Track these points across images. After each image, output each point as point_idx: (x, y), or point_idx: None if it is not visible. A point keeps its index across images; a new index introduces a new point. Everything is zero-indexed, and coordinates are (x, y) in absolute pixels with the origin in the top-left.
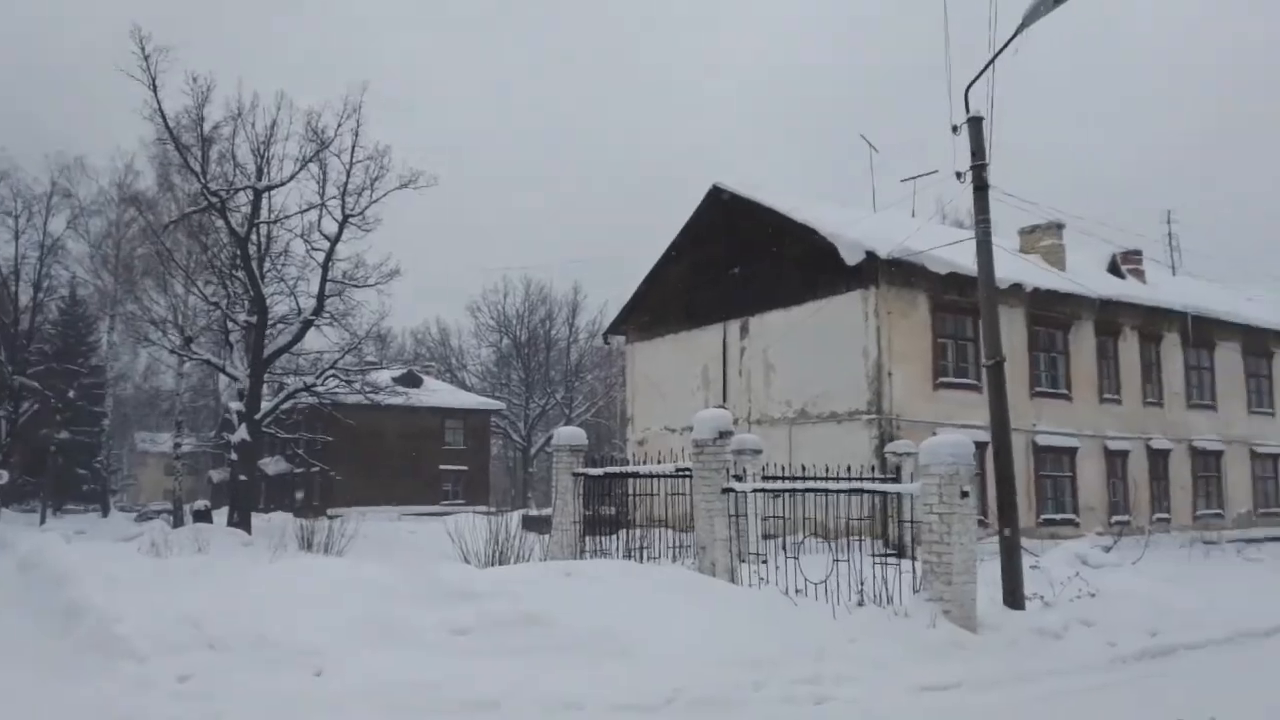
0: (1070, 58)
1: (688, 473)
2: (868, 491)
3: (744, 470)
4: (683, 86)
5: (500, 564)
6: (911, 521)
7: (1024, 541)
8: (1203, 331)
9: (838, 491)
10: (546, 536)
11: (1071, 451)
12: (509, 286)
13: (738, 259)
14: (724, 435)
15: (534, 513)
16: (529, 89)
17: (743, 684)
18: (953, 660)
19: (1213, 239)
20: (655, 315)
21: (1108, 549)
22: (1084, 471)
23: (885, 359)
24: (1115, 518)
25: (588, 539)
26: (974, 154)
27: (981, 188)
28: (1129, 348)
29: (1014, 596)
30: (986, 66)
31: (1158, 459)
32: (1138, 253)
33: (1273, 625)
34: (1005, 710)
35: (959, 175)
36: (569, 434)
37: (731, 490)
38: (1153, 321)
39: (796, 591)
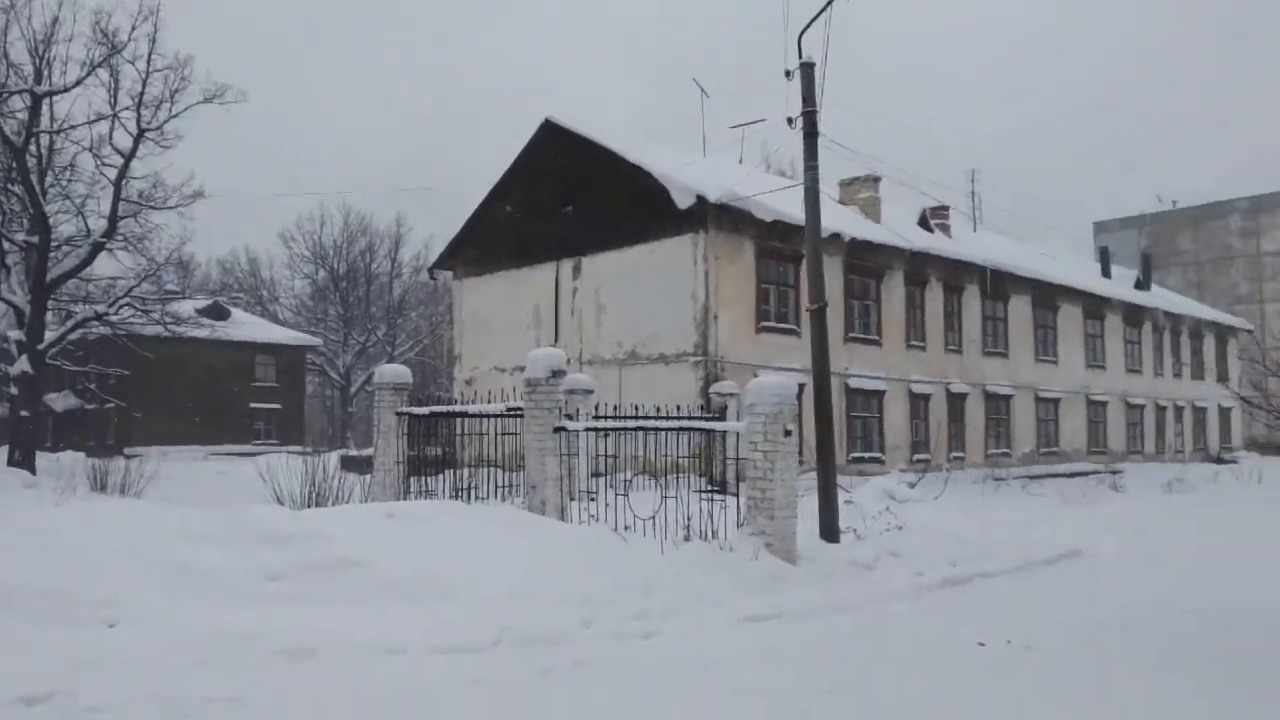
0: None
1: (519, 412)
2: (696, 430)
3: (575, 410)
4: (521, 14)
5: (317, 506)
6: (736, 459)
7: (837, 478)
8: (999, 284)
9: (667, 430)
10: (367, 477)
11: (880, 394)
12: (326, 215)
13: (571, 197)
14: (557, 374)
15: (354, 453)
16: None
17: (572, 621)
18: (774, 592)
19: (1014, 199)
20: (485, 251)
21: (913, 485)
22: (890, 413)
23: (712, 303)
24: (917, 456)
25: (413, 480)
26: (805, 100)
27: (811, 134)
28: (934, 298)
29: (830, 530)
30: (820, 12)
31: (956, 402)
32: (945, 208)
33: (1055, 554)
34: (823, 638)
35: (790, 121)
36: (392, 372)
37: (563, 429)
38: (956, 274)
39: (625, 528)
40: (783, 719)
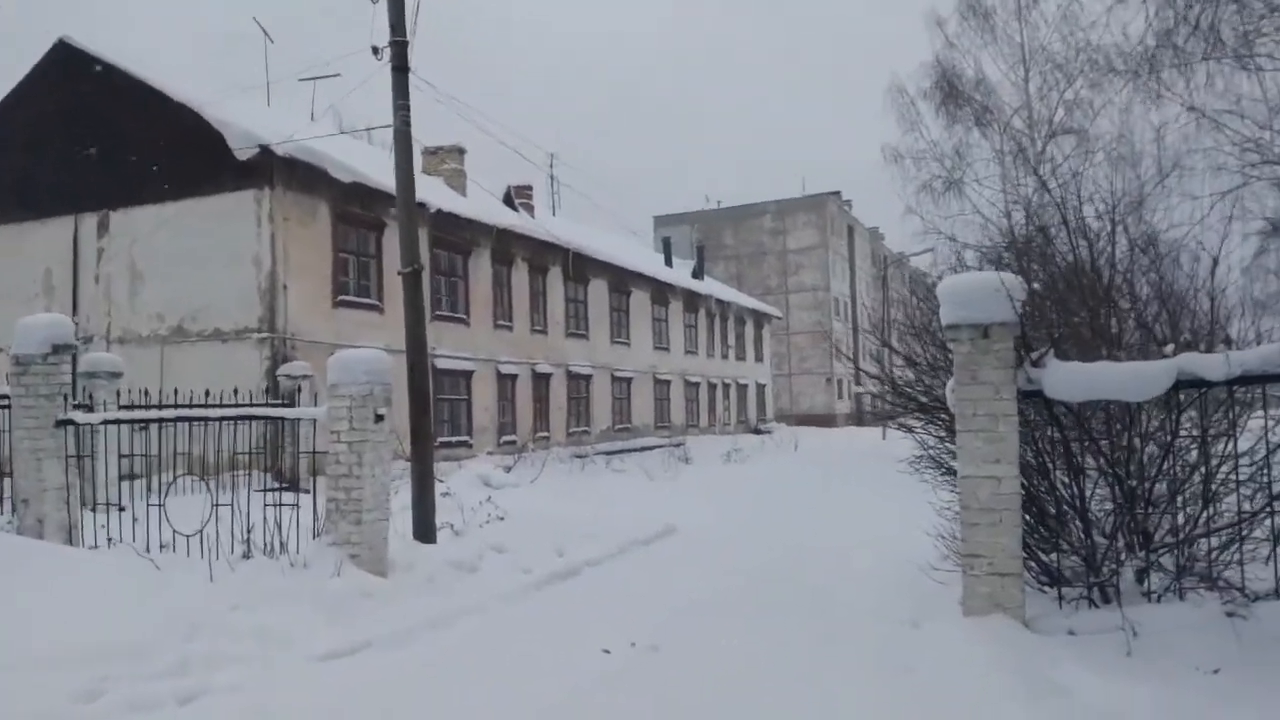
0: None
1: (6, 402)
2: (259, 418)
3: (94, 397)
4: None
5: None
6: (313, 453)
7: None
8: (580, 267)
9: (220, 420)
10: None
11: (468, 375)
12: None
13: (95, 137)
14: (61, 350)
15: None
16: None
17: (71, 692)
18: (361, 615)
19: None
20: None
21: (508, 469)
22: (479, 394)
23: (281, 271)
24: (505, 438)
25: None
26: (394, 29)
27: (401, 69)
28: (521, 278)
29: (426, 529)
30: None
31: (542, 382)
32: (529, 188)
33: (653, 533)
34: (423, 667)
35: (375, 51)
36: None
37: (71, 423)
38: (541, 254)
39: (162, 549)
40: None
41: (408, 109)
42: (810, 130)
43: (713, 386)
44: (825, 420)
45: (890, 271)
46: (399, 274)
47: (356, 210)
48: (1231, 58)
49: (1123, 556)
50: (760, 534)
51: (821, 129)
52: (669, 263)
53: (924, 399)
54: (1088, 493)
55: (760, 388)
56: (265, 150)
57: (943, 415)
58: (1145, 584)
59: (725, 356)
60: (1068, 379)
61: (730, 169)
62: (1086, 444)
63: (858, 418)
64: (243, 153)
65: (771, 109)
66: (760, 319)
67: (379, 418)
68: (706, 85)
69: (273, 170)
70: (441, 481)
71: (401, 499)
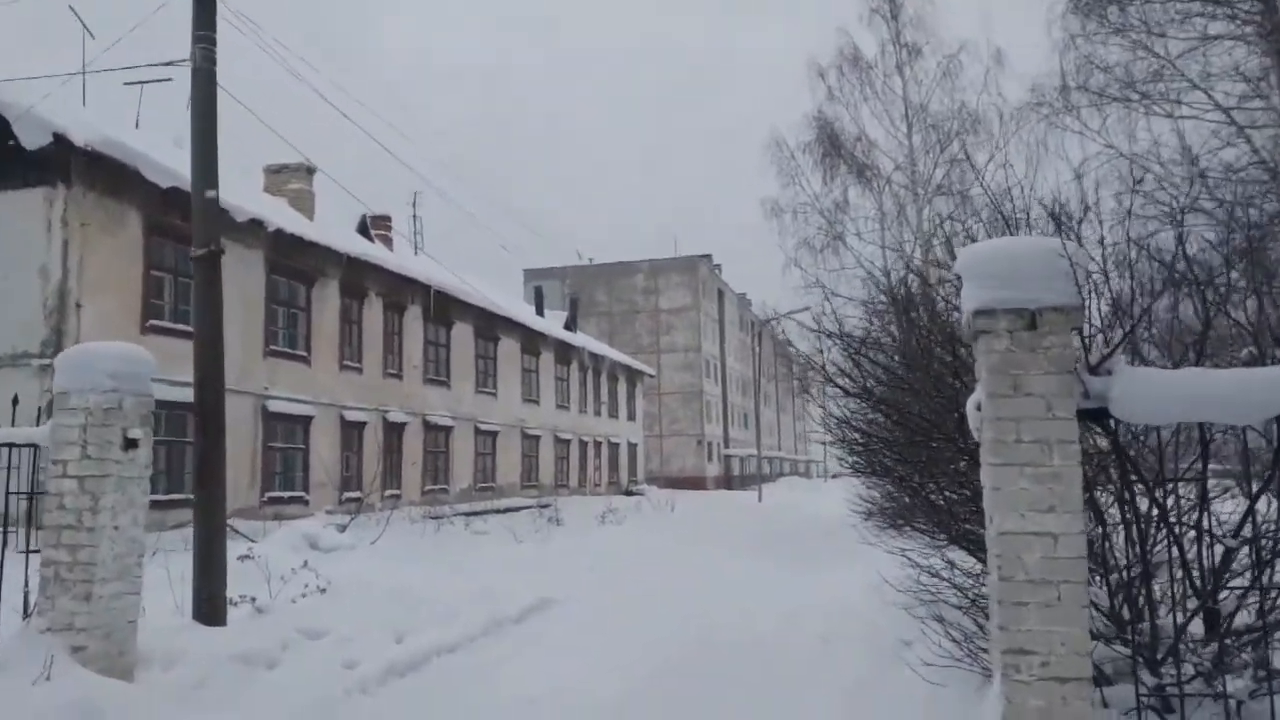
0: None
1: None
2: None
3: None
4: None
5: None
6: (32, 493)
7: (242, 524)
8: (443, 308)
9: None
10: None
11: (307, 421)
12: None
13: None
14: None
15: None
16: None
17: None
18: None
19: (450, 235)
20: None
21: (342, 528)
22: (318, 443)
23: (74, 285)
24: (348, 494)
25: None
26: None
27: None
28: (373, 314)
29: (213, 605)
30: None
31: (394, 432)
32: (387, 219)
33: (524, 607)
34: None
35: None
36: None
37: None
38: (399, 291)
39: None
40: None
41: (212, 42)
42: (684, 192)
43: (584, 444)
44: (696, 482)
45: (763, 330)
46: (191, 257)
47: (177, 221)
48: (1136, 102)
49: (1194, 648)
50: (657, 607)
51: (695, 192)
52: (540, 312)
53: (910, 427)
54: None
55: (632, 447)
56: (61, 140)
57: (936, 446)
58: (1218, 684)
59: (598, 413)
60: (1148, 391)
61: (602, 226)
62: (1157, 487)
63: (726, 481)
64: (32, 141)
65: (648, 169)
66: (633, 376)
67: (131, 443)
68: (587, 140)
69: (70, 166)
70: (251, 542)
71: (181, 564)
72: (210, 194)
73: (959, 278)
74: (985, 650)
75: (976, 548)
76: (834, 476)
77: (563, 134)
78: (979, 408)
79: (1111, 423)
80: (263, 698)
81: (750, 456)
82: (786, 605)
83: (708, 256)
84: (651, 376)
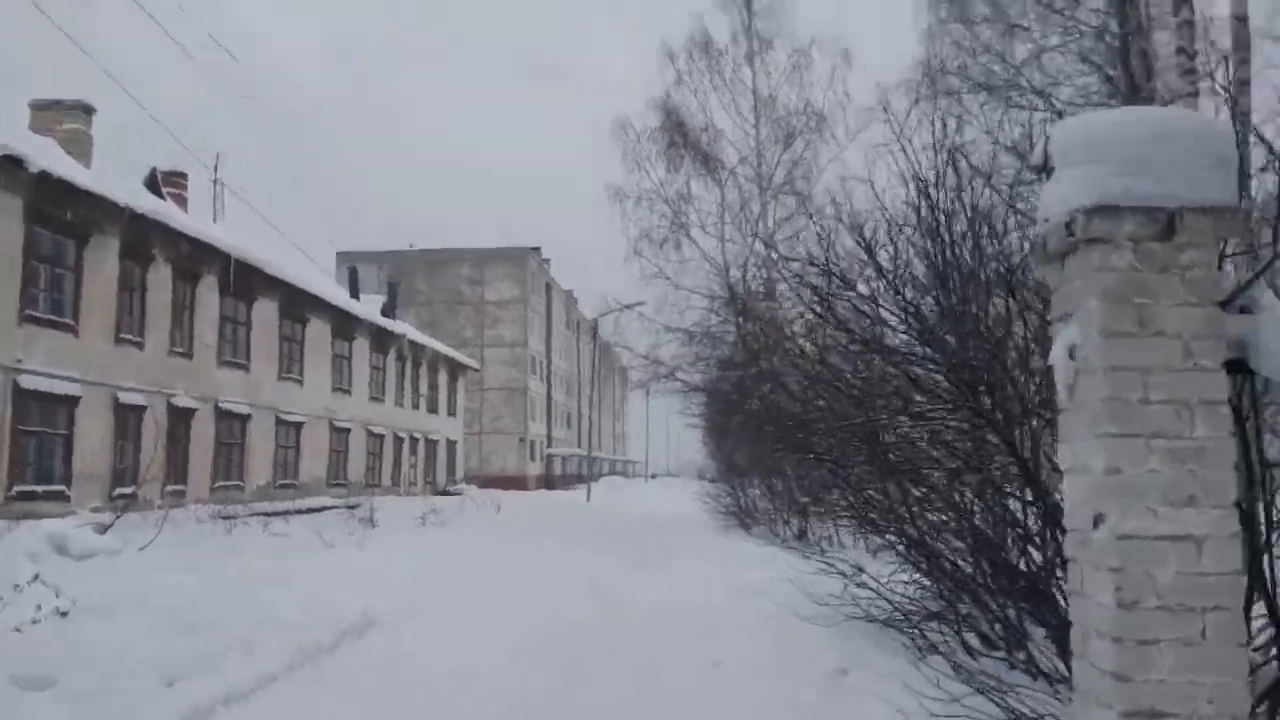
0: None
1: None
2: None
3: None
4: None
5: None
6: None
7: None
8: (245, 281)
9: None
10: None
11: (73, 401)
12: None
13: None
14: None
15: None
16: None
17: None
18: None
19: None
20: None
21: (105, 529)
22: (86, 429)
23: None
24: (121, 490)
25: None
26: None
27: None
28: (160, 282)
29: None
30: None
31: (180, 420)
32: (183, 175)
33: (340, 629)
34: None
35: None
36: None
37: None
38: (192, 258)
39: None
40: None
41: None
42: (525, 180)
43: (400, 440)
44: (517, 482)
45: (594, 326)
46: None
47: None
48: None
49: None
50: (505, 625)
51: (538, 179)
52: (356, 296)
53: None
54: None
55: (451, 445)
56: None
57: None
58: None
59: (416, 407)
60: None
61: (426, 206)
62: None
63: (549, 481)
64: None
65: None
66: (456, 369)
67: None
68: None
69: None
70: None
71: None
72: None
73: (1044, 165)
74: (1002, 689)
75: (917, 551)
76: (653, 476)
77: (406, 111)
78: (1071, 354)
79: (1248, 382)
80: None
81: (572, 456)
82: (658, 618)
83: (537, 249)
84: (475, 370)
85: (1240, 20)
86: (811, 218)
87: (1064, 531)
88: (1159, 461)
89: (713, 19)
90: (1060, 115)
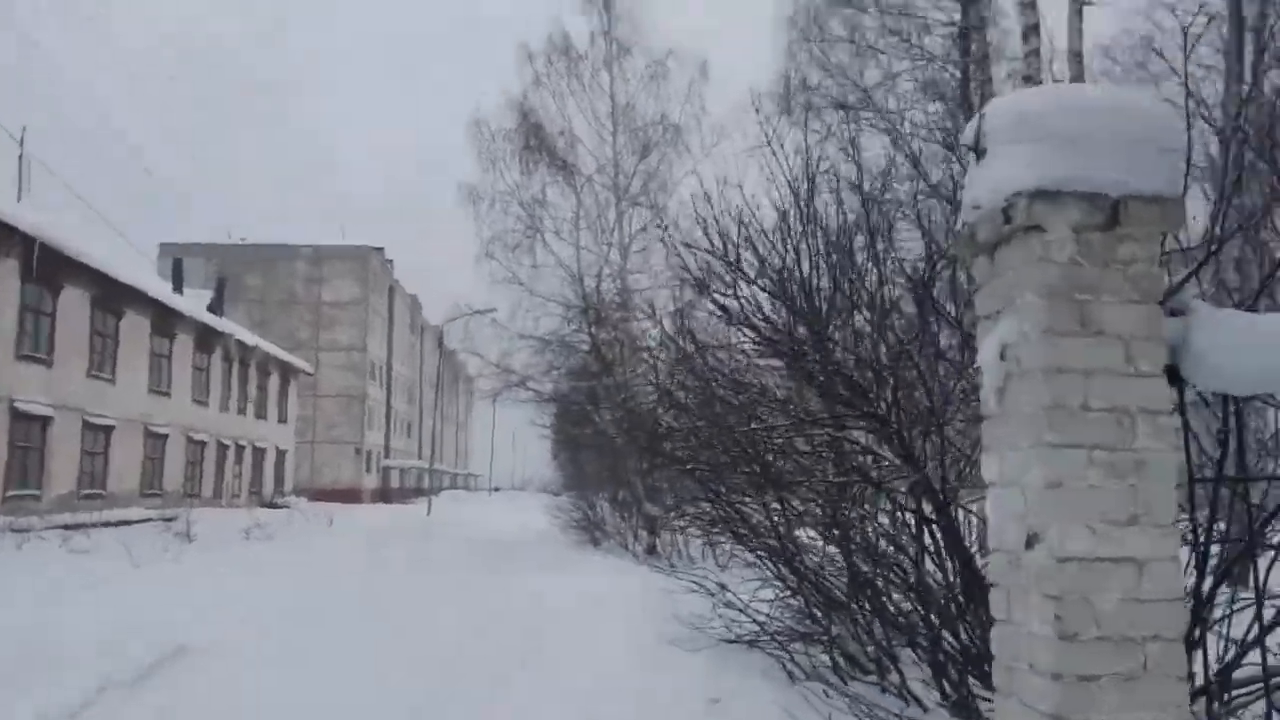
0: None
1: None
2: None
3: None
4: None
5: None
6: None
7: None
8: (51, 267)
9: None
10: None
11: None
12: None
13: None
14: None
15: None
16: None
17: None
18: None
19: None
20: None
21: None
22: None
23: None
24: None
25: None
26: None
27: None
28: None
29: None
30: None
31: None
32: None
33: (147, 660)
34: None
35: None
36: None
37: None
38: None
39: None
40: None
41: None
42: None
43: (224, 447)
44: (351, 495)
45: (441, 332)
46: None
47: None
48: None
49: None
50: (342, 652)
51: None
52: (180, 290)
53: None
54: None
55: (281, 454)
56: None
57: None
58: None
59: (242, 412)
60: (1238, 343)
61: (257, 198)
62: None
63: (385, 494)
64: None
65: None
66: (288, 372)
67: None
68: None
69: None
70: None
71: None
72: None
73: (976, 145)
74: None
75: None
76: (496, 489)
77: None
78: (1002, 355)
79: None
80: None
81: (412, 468)
82: (509, 644)
83: (380, 249)
84: (309, 375)
85: (1076, 56)
86: (666, 230)
87: (973, 552)
88: (1100, 476)
89: (572, 21)
90: (906, 140)
